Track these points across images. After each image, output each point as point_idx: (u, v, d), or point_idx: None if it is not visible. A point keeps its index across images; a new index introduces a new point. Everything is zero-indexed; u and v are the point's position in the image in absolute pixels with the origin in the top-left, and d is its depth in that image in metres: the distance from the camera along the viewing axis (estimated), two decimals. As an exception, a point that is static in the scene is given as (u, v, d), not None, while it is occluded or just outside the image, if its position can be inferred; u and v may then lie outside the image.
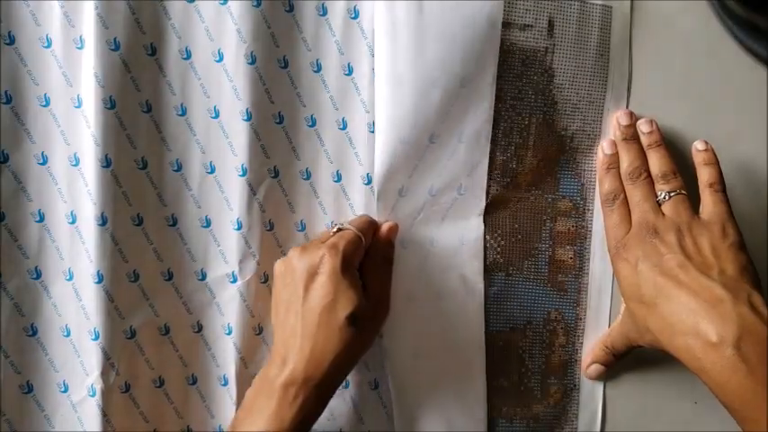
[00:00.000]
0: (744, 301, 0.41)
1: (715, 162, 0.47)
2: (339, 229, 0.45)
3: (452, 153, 0.48)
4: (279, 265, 0.45)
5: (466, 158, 0.48)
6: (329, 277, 0.42)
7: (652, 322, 0.43)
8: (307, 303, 0.43)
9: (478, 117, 0.47)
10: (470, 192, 0.49)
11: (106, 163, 0.44)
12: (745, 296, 0.41)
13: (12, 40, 0.44)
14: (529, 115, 0.49)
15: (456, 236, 0.49)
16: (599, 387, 0.51)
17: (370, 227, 0.47)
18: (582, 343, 0.51)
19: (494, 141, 0.48)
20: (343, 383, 0.47)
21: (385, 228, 0.47)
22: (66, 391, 0.47)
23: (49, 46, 0.44)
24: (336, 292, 0.42)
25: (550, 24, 0.48)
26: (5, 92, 0.44)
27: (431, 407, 0.49)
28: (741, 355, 0.39)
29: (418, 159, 0.47)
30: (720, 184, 0.46)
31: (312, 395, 0.42)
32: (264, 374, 0.44)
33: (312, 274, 0.43)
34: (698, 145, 0.48)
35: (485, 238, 0.49)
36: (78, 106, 0.45)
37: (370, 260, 0.46)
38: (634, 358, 0.49)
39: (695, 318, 0.41)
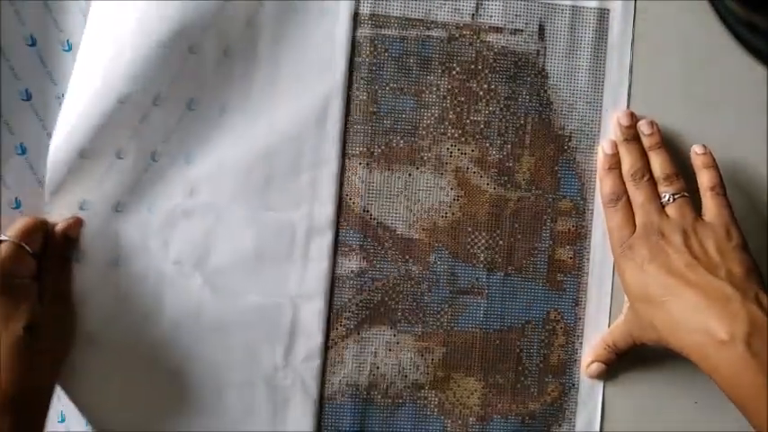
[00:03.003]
0: (752, 299, 0.41)
1: (714, 165, 0.47)
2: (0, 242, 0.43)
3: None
4: None
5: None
6: None
7: (660, 321, 0.43)
8: None
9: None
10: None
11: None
12: (753, 294, 0.42)
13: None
14: (524, 115, 0.49)
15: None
16: (598, 386, 0.51)
17: (33, 230, 0.44)
18: (581, 343, 0.51)
19: (487, 139, 0.49)
20: None
21: (59, 227, 0.45)
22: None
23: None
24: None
25: (541, 29, 0.49)
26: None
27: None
28: (751, 352, 0.40)
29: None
30: (721, 188, 0.46)
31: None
32: None
33: None
34: (696, 149, 0.48)
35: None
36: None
37: (46, 262, 0.44)
38: (634, 357, 0.49)
39: (704, 316, 0.41)
